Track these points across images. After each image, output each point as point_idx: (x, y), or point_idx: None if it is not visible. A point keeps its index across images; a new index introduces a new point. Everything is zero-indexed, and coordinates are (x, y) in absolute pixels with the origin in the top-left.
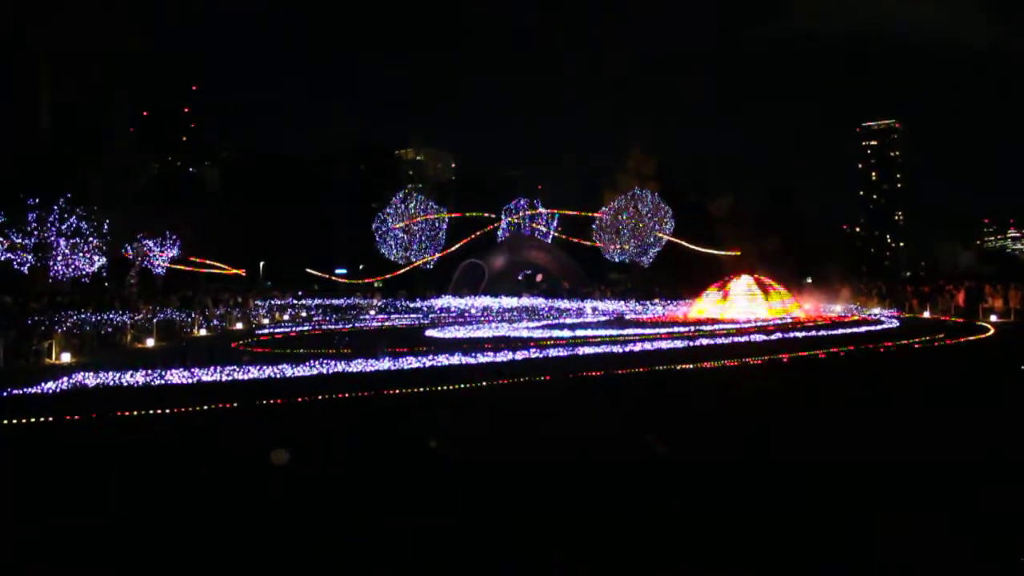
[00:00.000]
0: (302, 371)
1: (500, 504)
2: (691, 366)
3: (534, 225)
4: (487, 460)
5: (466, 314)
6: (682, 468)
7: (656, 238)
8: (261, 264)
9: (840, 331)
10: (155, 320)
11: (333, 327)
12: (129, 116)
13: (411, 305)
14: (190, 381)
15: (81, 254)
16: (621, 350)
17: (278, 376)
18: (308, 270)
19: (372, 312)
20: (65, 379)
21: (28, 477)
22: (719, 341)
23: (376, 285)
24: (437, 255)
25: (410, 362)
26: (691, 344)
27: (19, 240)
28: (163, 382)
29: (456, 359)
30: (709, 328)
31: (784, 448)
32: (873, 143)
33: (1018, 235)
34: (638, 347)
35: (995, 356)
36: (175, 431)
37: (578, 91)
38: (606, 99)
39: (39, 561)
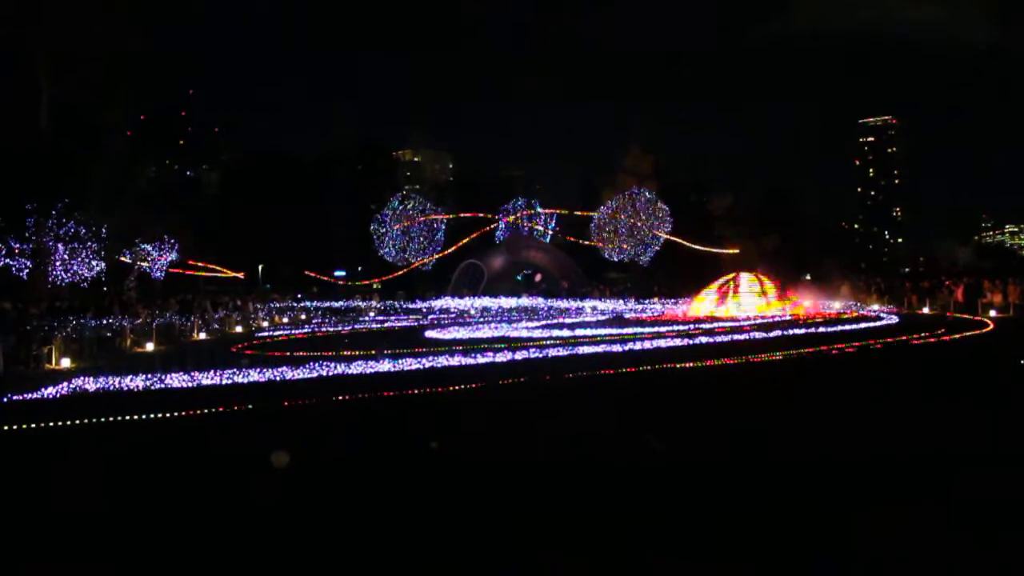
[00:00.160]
0: (302, 373)
1: (500, 504)
2: (691, 364)
3: (532, 225)
4: (487, 460)
5: (465, 315)
6: (682, 468)
7: (654, 237)
8: (260, 267)
9: (839, 328)
10: (154, 324)
11: (332, 329)
12: (128, 118)
13: (410, 306)
14: (190, 385)
15: (80, 259)
16: (621, 349)
17: (278, 379)
18: (307, 272)
19: (371, 314)
20: (65, 384)
21: (29, 483)
22: (718, 339)
23: (375, 287)
24: (436, 256)
25: (410, 363)
26: (691, 342)
27: (17, 246)
28: (163, 386)
29: (456, 360)
30: (708, 326)
31: (784, 446)
32: (871, 139)
33: (1016, 230)
34: (638, 346)
35: (994, 351)
36: (176, 435)
37: (577, 91)
38: (605, 98)
39: (40, 564)
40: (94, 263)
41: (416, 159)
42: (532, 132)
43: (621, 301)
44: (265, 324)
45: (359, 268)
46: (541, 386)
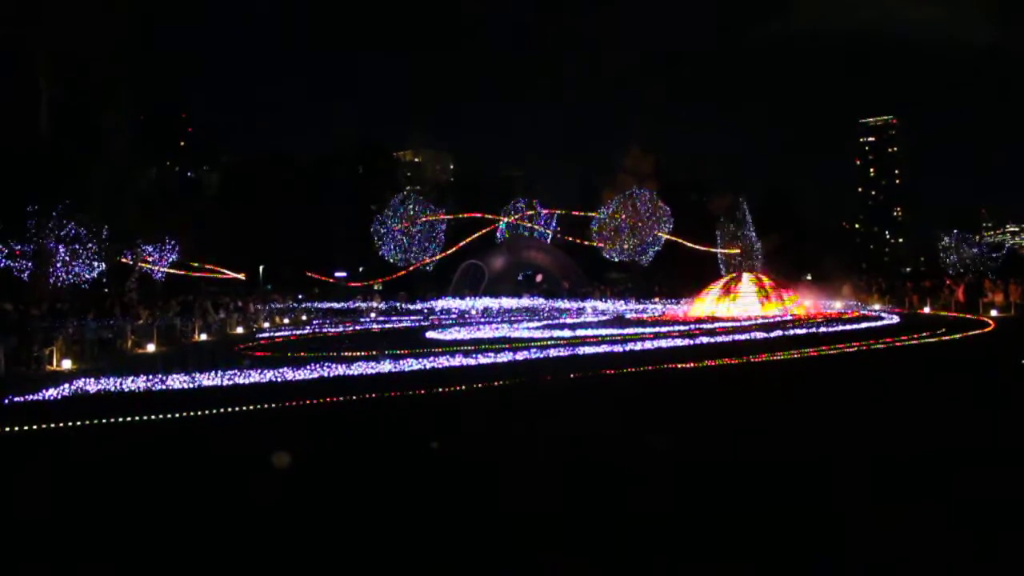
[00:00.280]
0: (303, 374)
1: (501, 504)
2: (692, 364)
3: (533, 225)
4: (487, 460)
5: (466, 315)
6: (682, 468)
7: (655, 237)
8: (261, 268)
9: (840, 328)
10: (155, 325)
11: (334, 330)
12: (129, 119)
13: (411, 307)
14: (191, 386)
15: (81, 260)
16: (622, 349)
17: (279, 380)
18: (308, 273)
19: (372, 314)
20: (66, 385)
21: (30, 484)
22: (720, 339)
23: (376, 287)
24: (437, 257)
25: (411, 364)
26: (692, 343)
27: (18, 247)
28: (164, 387)
29: (457, 360)
30: (710, 326)
31: (784, 446)
32: (871, 139)
33: (1016, 229)
34: (639, 346)
35: (995, 351)
36: (177, 436)
37: (577, 91)
38: (605, 98)
39: (41, 565)
40: (95, 264)
41: (417, 159)
42: (532, 132)
43: (622, 301)
44: (266, 325)
45: (360, 269)
46: (542, 386)
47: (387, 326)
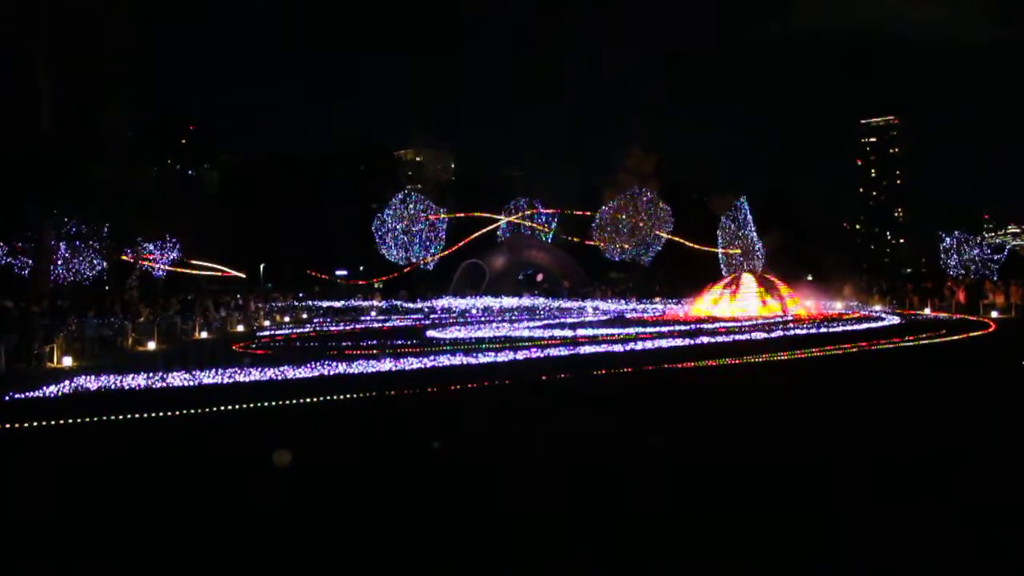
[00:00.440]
0: (303, 372)
1: (501, 504)
2: (692, 364)
3: (534, 225)
4: (488, 460)
5: (467, 314)
6: (682, 468)
7: (656, 237)
8: (261, 266)
9: (841, 328)
10: (156, 323)
11: (335, 328)
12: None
13: (412, 306)
14: (191, 384)
15: (81, 258)
16: (622, 349)
17: (279, 378)
18: (308, 271)
19: (373, 313)
20: (67, 383)
21: (30, 482)
22: (720, 339)
23: (376, 286)
24: (437, 256)
25: (411, 363)
26: (692, 342)
27: (19, 244)
28: (164, 385)
29: (458, 359)
30: (710, 326)
31: (784, 445)
32: (872, 140)
33: (1018, 231)
34: (639, 346)
35: (995, 352)
36: (177, 434)
37: (577, 91)
38: (605, 98)
39: (41, 564)
40: (96, 262)
41: (418, 159)
42: (532, 132)
43: (623, 301)
44: (267, 323)
45: (361, 267)
46: (542, 385)
47: (388, 324)
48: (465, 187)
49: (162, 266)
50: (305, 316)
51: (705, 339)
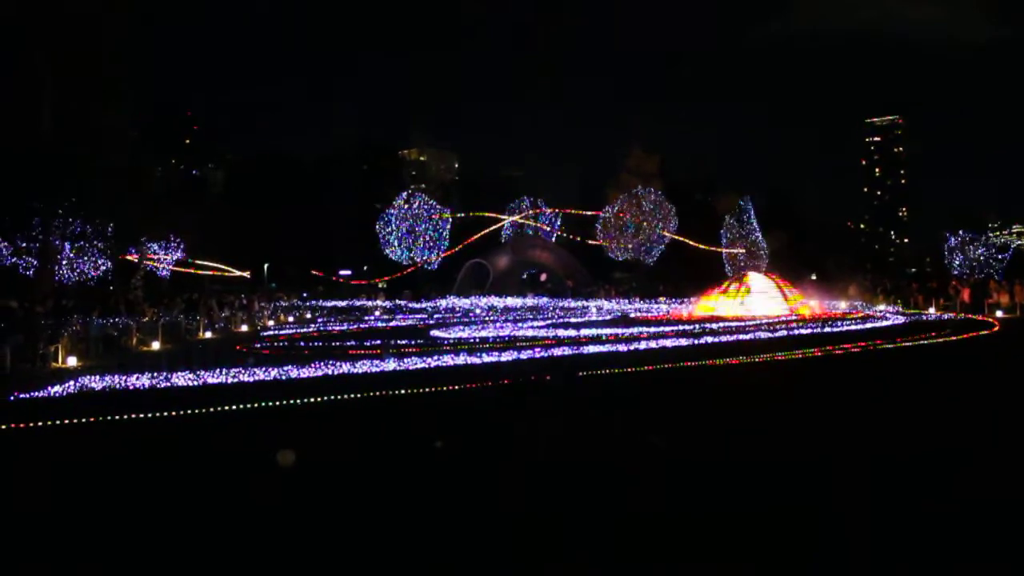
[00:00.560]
0: (307, 372)
1: (501, 504)
2: (696, 364)
3: (538, 224)
4: (490, 460)
5: (471, 314)
6: (683, 468)
7: (660, 236)
8: (265, 266)
9: (845, 328)
10: (160, 323)
11: (338, 328)
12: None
13: (415, 305)
14: (196, 383)
15: (86, 258)
16: (626, 349)
17: (283, 377)
18: (312, 271)
19: (376, 313)
20: (71, 383)
21: (35, 481)
22: (724, 339)
23: (380, 286)
24: (441, 255)
25: (415, 362)
26: (696, 342)
27: (24, 244)
28: (169, 384)
29: (461, 359)
30: (714, 326)
31: (785, 445)
32: (877, 139)
33: (1023, 230)
34: (643, 346)
35: (1000, 352)
36: (181, 433)
37: (580, 91)
38: (605, 98)
39: (43, 563)
40: (100, 262)
41: (422, 158)
42: (532, 132)
43: (626, 301)
44: (271, 323)
45: (364, 267)
46: (545, 385)
47: (391, 324)
48: (469, 186)
49: (166, 266)
50: (309, 316)
51: (708, 339)
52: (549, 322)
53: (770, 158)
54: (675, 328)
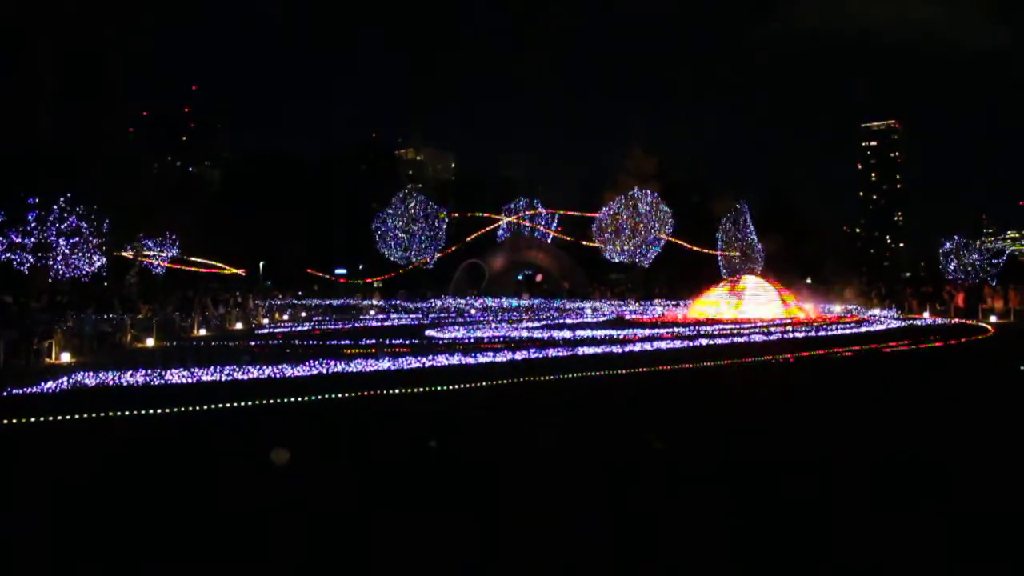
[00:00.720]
0: (302, 371)
1: (500, 503)
2: (690, 365)
3: (534, 225)
4: (486, 460)
5: (466, 314)
6: (680, 468)
7: (656, 238)
8: (261, 264)
9: (840, 332)
10: (155, 320)
11: (333, 327)
12: (129, 116)
13: (411, 305)
14: (190, 381)
15: (81, 254)
16: (621, 350)
17: (278, 376)
18: (308, 270)
19: (372, 312)
20: (65, 379)
21: (28, 478)
22: (719, 341)
23: (376, 285)
24: (437, 255)
25: (410, 362)
26: (691, 344)
27: (19, 239)
28: (163, 381)
29: (456, 359)
30: (709, 328)
31: (782, 447)
32: (873, 143)
33: (1017, 236)
34: (638, 347)
35: (994, 356)
36: (175, 430)
37: (577, 91)
38: (607, 99)
39: (36, 561)
40: (95, 258)
41: (419, 158)
42: (532, 132)
43: (622, 302)
44: (265, 321)
45: (360, 266)
46: (541, 386)
47: (386, 323)
48: (466, 186)
49: (161, 263)
50: (304, 314)
51: (703, 341)
52: (544, 323)
53: (769, 160)
54: (670, 331)
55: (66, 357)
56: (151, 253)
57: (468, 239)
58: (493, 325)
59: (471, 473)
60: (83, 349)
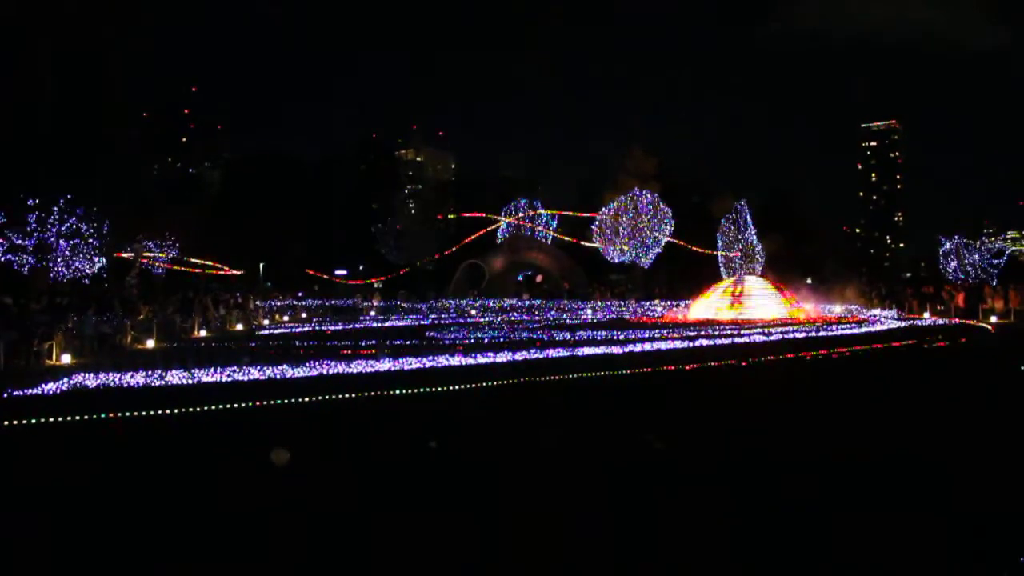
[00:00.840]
0: (302, 372)
1: (499, 503)
2: (691, 366)
3: (534, 226)
4: (486, 460)
5: (466, 315)
6: (680, 468)
7: (656, 239)
8: (261, 265)
9: (840, 332)
10: (155, 321)
11: (333, 328)
12: (130, 116)
13: (411, 305)
14: (190, 382)
15: (81, 255)
16: (621, 351)
17: (278, 377)
18: (308, 271)
19: (372, 313)
20: (65, 380)
21: (28, 479)
22: (719, 342)
23: (376, 286)
24: (437, 256)
25: (410, 363)
26: (691, 345)
27: (19, 241)
28: (163, 383)
29: (456, 360)
30: (709, 329)
31: (781, 447)
32: (873, 144)
33: (1017, 236)
34: (638, 348)
35: (994, 356)
36: (176, 432)
37: (579, 91)
38: (607, 99)
39: (36, 562)
40: (95, 259)
41: (419, 158)
42: (532, 132)
43: (622, 303)
44: (266, 322)
45: (360, 267)
46: (541, 386)
47: (386, 324)
48: (466, 186)
49: (161, 264)
50: (304, 315)
51: (704, 341)
52: (544, 324)
53: (769, 159)
54: (671, 331)
55: (66, 358)
56: (151, 254)
57: (468, 239)
58: (493, 326)
59: (471, 473)
60: (83, 350)
